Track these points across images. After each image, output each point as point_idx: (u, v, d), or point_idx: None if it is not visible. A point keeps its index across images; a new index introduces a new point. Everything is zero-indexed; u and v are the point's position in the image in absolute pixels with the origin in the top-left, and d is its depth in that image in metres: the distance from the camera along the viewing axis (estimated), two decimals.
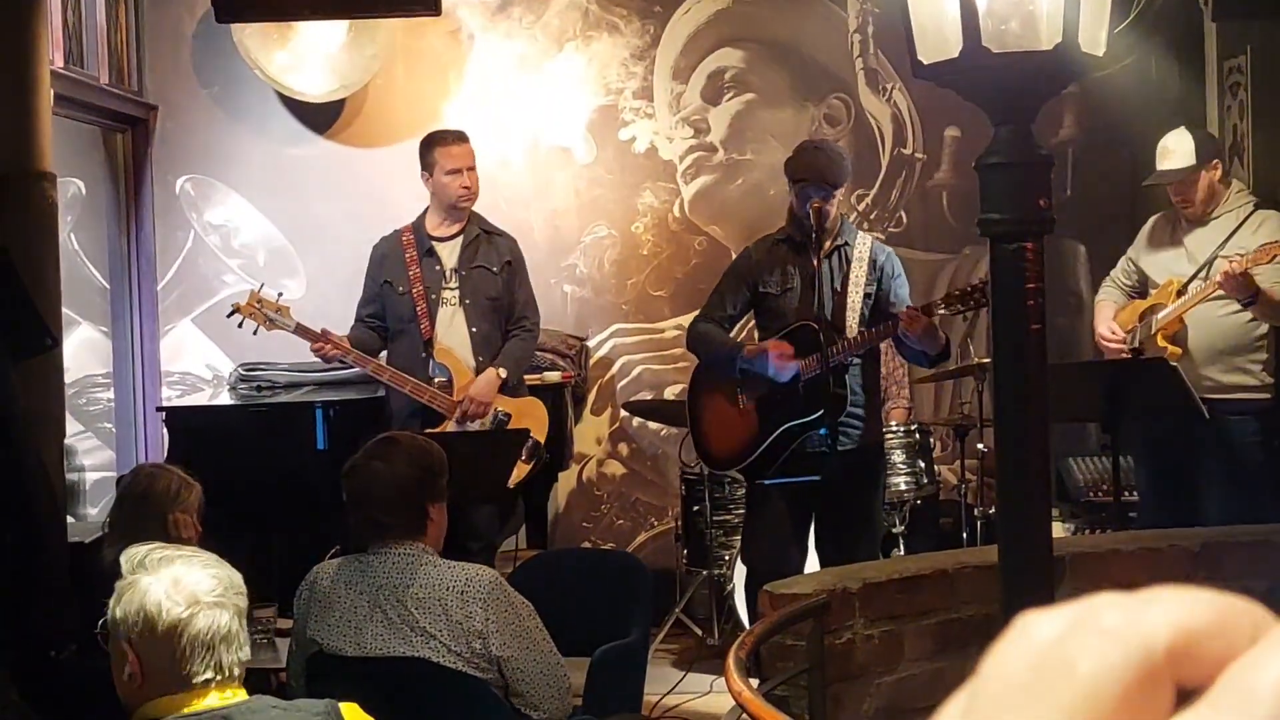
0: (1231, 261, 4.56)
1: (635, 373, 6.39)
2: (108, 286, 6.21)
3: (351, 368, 5.21)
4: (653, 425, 6.31)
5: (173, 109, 6.26)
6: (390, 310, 4.94)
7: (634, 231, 6.36)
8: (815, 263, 4.34)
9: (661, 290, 6.37)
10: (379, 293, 4.97)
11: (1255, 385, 4.82)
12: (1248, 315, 4.77)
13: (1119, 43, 5.53)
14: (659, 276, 6.37)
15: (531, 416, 4.99)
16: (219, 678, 2.11)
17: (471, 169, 4.99)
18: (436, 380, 4.85)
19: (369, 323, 4.95)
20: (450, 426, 4.78)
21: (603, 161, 6.34)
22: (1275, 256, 4.57)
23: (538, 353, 6.01)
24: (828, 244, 4.45)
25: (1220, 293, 4.69)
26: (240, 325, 4.79)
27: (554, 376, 5.94)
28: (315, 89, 6.06)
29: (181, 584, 2.11)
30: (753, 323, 4.83)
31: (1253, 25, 5.59)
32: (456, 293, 4.94)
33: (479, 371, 4.90)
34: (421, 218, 5.03)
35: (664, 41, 6.33)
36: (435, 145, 4.96)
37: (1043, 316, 1.86)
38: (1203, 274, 4.82)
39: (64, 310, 5.71)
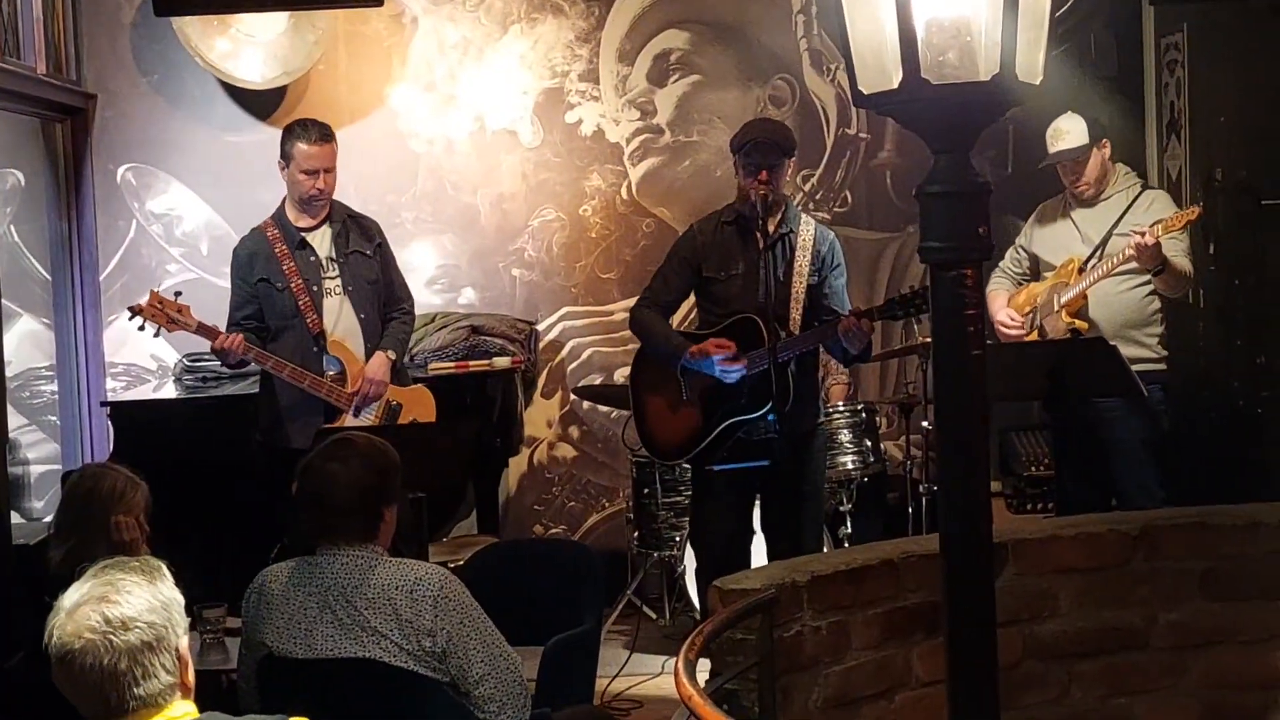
0: (1144, 233, 4.68)
1: (585, 355, 6.42)
2: (49, 278, 6.14)
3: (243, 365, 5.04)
4: (603, 408, 6.34)
5: (112, 97, 6.18)
6: (270, 308, 4.76)
7: (582, 214, 6.37)
8: (761, 246, 4.34)
9: (610, 272, 6.39)
10: (254, 293, 4.77)
11: (1153, 358, 4.99)
12: (1144, 290, 4.93)
13: (1060, 25, 5.59)
14: (607, 259, 6.39)
15: (421, 405, 4.94)
16: (116, 710, 2.13)
17: (330, 170, 4.76)
18: (329, 374, 4.74)
19: (246, 325, 4.75)
20: (348, 419, 4.70)
21: (549, 144, 6.33)
22: (1188, 222, 4.71)
23: (487, 338, 6.02)
24: (772, 227, 4.45)
25: (1122, 268, 4.83)
26: (141, 328, 4.65)
27: (503, 362, 5.95)
28: (257, 76, 6.00)
29: (75, 616, 2.13)
30: (694, 304, 4.85)
31: (1189, 3, 5.66)
32: (338, 281, 4.81)
33: (369, 357, 4.81)
34: (281, 210, 4.85)
35: (609, 23, 6.32)
36: (296, 140, 4.73)
37: (982, 341, 1.90)
38: (1099, 252, 4.94)
39: (5, 303, 5.66)
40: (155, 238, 6.25)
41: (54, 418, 6.18)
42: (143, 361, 6.23)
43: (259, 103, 6.18)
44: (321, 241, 4.83)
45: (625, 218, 6.38)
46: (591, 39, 6.32)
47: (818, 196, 6.39)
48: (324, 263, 4.81)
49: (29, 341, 6.17)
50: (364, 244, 4.89)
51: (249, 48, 5.97)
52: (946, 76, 1.84)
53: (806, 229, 4.53)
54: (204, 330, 4.62)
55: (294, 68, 6.03)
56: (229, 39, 5.94)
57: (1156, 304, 4.97)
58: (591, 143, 6.34)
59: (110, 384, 6.21)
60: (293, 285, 4.74)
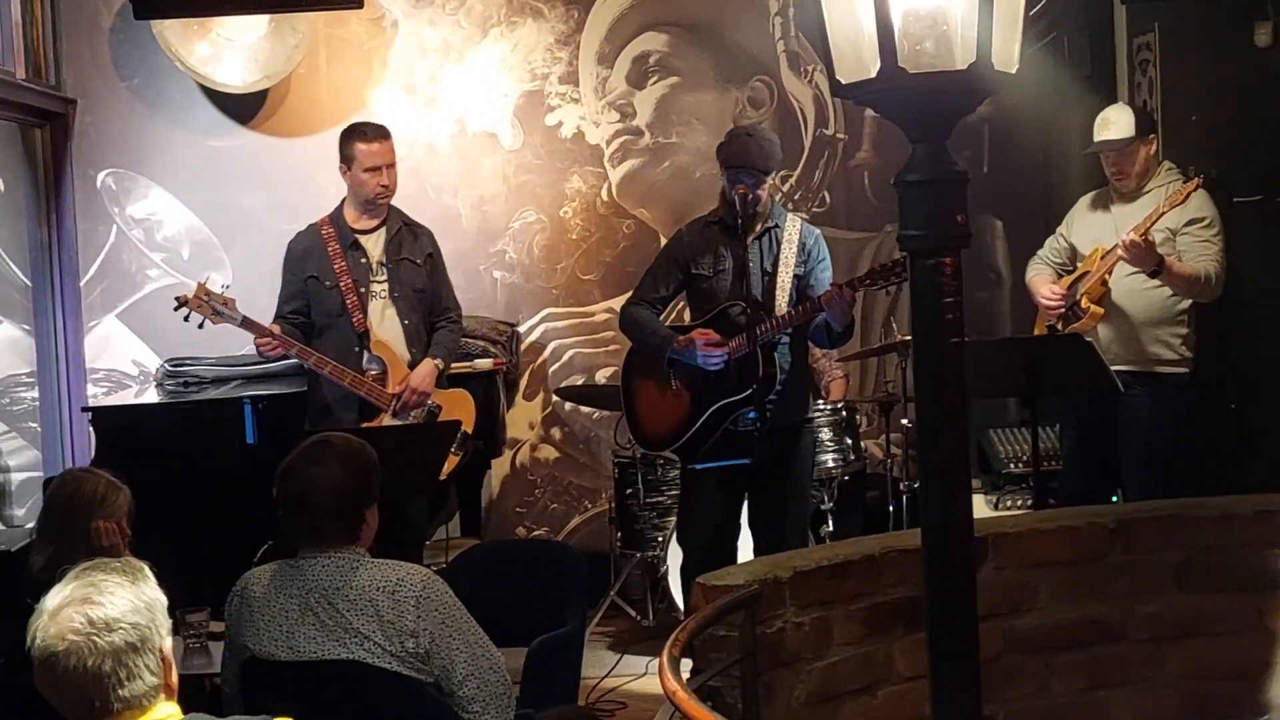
0: (1132, 231, 4.68)
1: (566, 357, 6.43)
2: (29, 284, 6.12)
3: (281, 361, 5.15)
4: (585, 409, 6.36)
5: (92, 102, 6.17)
6: (317, 305, 4.86)
7: (562, 216, 6.39)
8: (744, 247, 4.43)
9: (591, 274, 6.41)
10: (303, 288, 4.87)
11: (1175, 359, 4.93)
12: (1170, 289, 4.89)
13: (1033, 24, 5.64)
14: (588, 260, 6.41)
15: (461, 408, 5.00)
16: (101, 712, 2.12)
17: (391, 166, 4.90)
18: (370, 373, 4.81)
19: (292, 319, 4.85)
20: (386, 418, 4.77)
21: (530, 147, 6.35)
22: (1189, 195, 4.68)
23: (469, 340, 6.03)
24: (759, 226, 4.54)
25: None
26: (186, 319, 4.69)
27: (485, 364, 5.96)
28: (237, 79, 6.01)
29: (58, 618, 2.11)
30: (684, 303, 4.90)
31: (1160, 3, 5.71)
32: (385, 285, 4.89)
33: (412, 363, 4.89)
34: (339, 210, 4.95)
35: (588, 26, 6.35)
36: (355, 140, 4.87)
37: (961, 330, 1.93)
38: None
39: None
40: (136, 243, 6.25)
41: (35, 424, 6.16)
42: (124, 367, 6.22)
43: (240, 106, 6.19)
44: (374, 245, 4.91)
45: (606, 219, 6.40)
46: (571, 42, 6.35)
47: (796, 197, 6.43)
48: (374, 266, 4.89)
49: (9, 348, 6.15)
50: (415, 252, 4.97)
51: (229, 51, 5.97)
52: (923, 65, 1.86)
53: (792, 225, 4.63)
54: (249, 324, 4.66)
55: (274, 71, 6.03)
56: (209, 43, 5.94)
57: (1184, 304, 4.89)
58: (571, 145, 6.36)
59: (91, 390, 6.19)
60: (341, 284, 4.81)
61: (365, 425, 4.67)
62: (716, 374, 4.49)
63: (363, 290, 4.84)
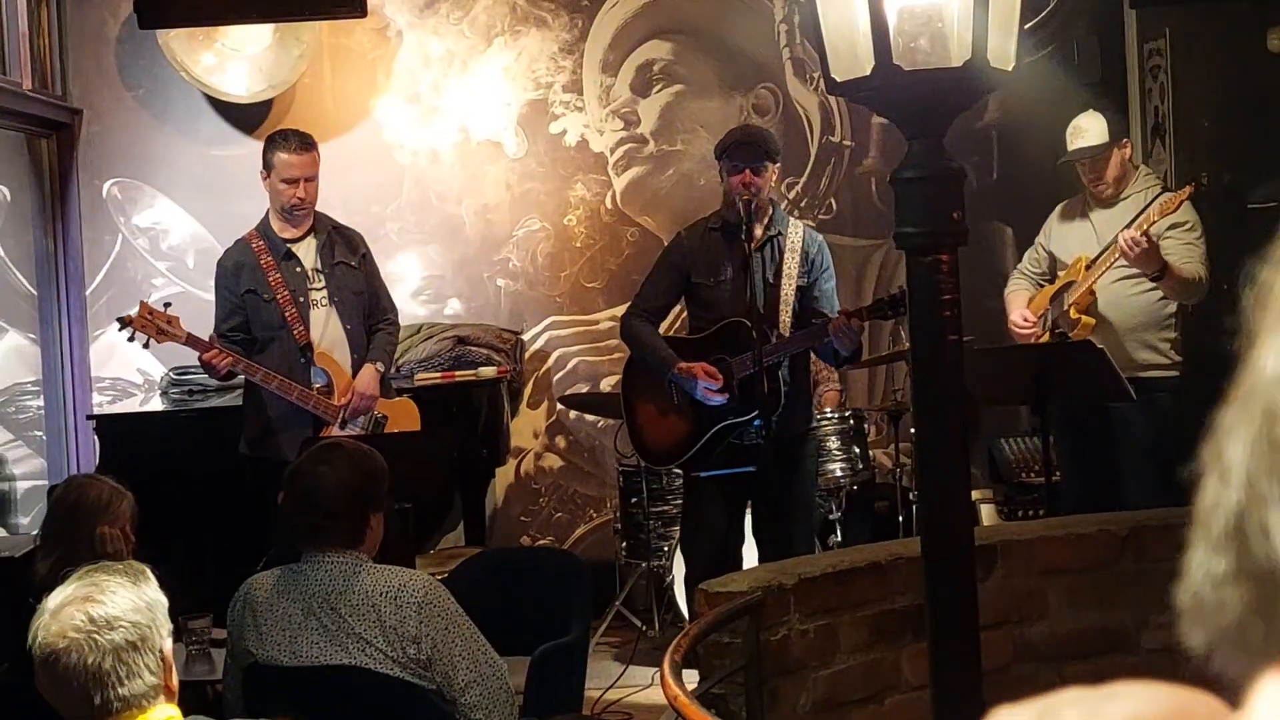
0: (1132, 227, 4.63)
1: (571, 365, 6.41)
2: (35, 293, 6.13)
3: (233, 378, 5.02)
4: (589, 417, 6.33)
5: (98, 112, 6.18)
6: (257, 319, 4.74)
7: (566, 224, 6.37)
8: (747, 250, 4.35)
9: (595, 282, 6.39)
10: (240, 303, 4.74)
11: (1165, 363, 4.92)
12: (1158, 294, 4.86)
13: (1042, 29, 5.61)
14: (592, 268, 6.39)
15: (407, 417, 4.92)
16: (101, 711, 2.10)
17: (311, 180, 4.75)
18: (316, 385, 4.71)
19: (232, 336, 4.71)
20: (334, 430, 4.67)
21: (534, 155, 6.34)
22: (1181, 203, 4.65)
23: (473, 348, 6.01)
24: (760, 232, 4.46)
25: (1126, 263, 4.79)
26: (131, 339, 4.62)
27: (489, 371, 5.94)
28: (242, 89, 6.01)
29: (59, 616, 2.11)
30: (685, 311, 4.85)
31: (1171, 8, 5.67)
32: (324, 292, 4.79)
33: (355, 369, 4.80)
34: (265, 222, 4.82)
35: (592, 35, 6.34)
36: (277, 149, 4.73)
37: (959, 327, 1.90)
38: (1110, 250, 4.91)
39: None
40: (141, 252, 6.25)
41: (40, 433, 6.16)
42: (129, 375, 6.21)
43: (244, 116, 6.18)
44: (307, 252, 4.82)
45: (610, 227, 6.38)
46: (575, 50, 6.33)
47: (803, 204, 6.40)
48: (310, 274, 4.80)
49: (15, 356, 6.16)
50: (349, 255, 4.88)
51: (234, 61, 5.97)
52: (919, 63, 1.84)
53: (795, 232, 4.56)
54: (193, 342, 4.59)
55: (279, 81, 6.03)
56: (214, 53, 5.94)
57: (1171, 308, 4.89)
58: (575, 153, 6.35)
59: (96, 398, 6.19)
60: (279, 297, 4.71)
61: (313, 437, 4.57)
62: None
63: (301, 300, 4.73)
